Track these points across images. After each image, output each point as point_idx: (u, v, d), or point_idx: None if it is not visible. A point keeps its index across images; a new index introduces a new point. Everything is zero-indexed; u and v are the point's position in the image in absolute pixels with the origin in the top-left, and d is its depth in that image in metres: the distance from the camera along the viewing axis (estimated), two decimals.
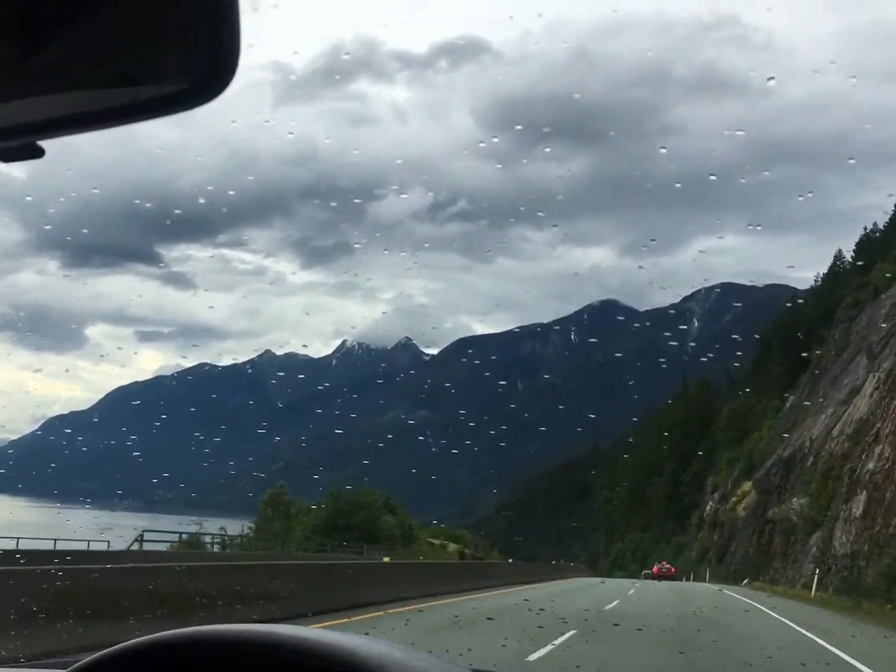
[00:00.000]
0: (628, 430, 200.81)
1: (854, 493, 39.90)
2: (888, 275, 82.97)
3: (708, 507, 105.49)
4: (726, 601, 35.07)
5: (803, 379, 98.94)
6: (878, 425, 40.20)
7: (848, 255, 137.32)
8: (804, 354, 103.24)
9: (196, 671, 1.64)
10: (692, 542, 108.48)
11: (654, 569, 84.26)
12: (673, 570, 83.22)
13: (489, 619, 20.04)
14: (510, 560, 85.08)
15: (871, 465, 38.38)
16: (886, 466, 36.50)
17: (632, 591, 41.12)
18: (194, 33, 1.32)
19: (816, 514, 47.75)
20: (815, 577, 35.50)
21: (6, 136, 1.35)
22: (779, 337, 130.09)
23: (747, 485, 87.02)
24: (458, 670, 1.78)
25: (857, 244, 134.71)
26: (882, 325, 57.40)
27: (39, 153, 1.39)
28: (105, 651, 1.68)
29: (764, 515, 67.16)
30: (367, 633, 1.83)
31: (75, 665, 1.70)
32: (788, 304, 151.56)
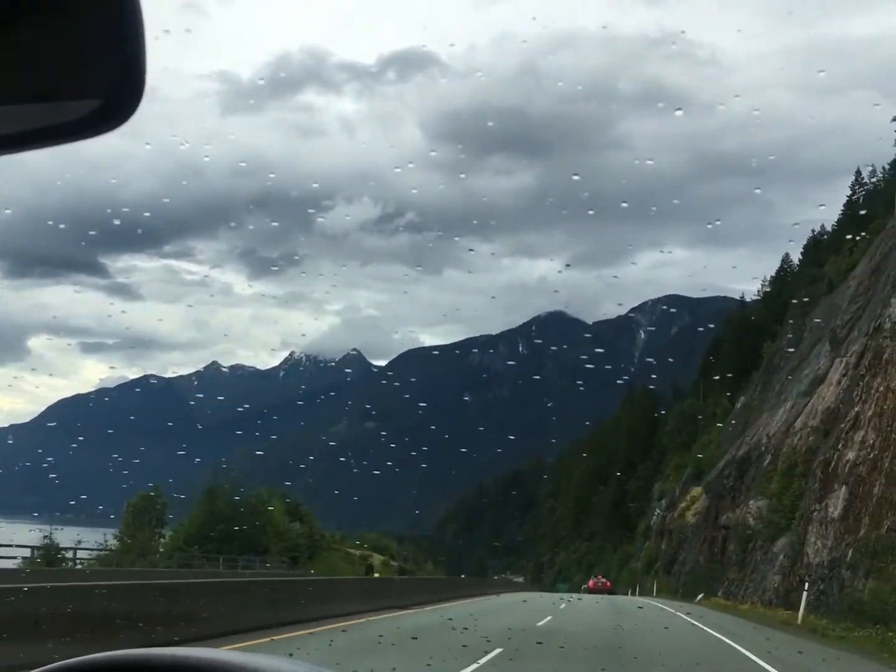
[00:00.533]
0: (576, 441, 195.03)
1: (830, 489, 33.07)
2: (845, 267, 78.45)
3: (655, 515, 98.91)
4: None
5: (755, 378, 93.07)
6: (856, 409, 33.49)
7: (796, 259, 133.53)
8: (760, 353, 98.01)
9: None
10: (638, 552, 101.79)
11: (590, 583, 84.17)
12: (608, 584, 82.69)
13: (413, 638, 19.46)
14: (440, 574, 77.99)
15: (850, 456, 31.61)
16: (872, 455, 29.79)
17: (562, 606, 37.16)
18: (97, 59, 1.27)
19: (779, 518, 40.95)
20: (804, 594, 28.14)
21: None
22: (728, 340, 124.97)
23: (696, 490, 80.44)
24: None
25: (805, 247, 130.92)
26: (848, 307, 51.03)
27: None
28: None
29: (716, 521, 60.36)
30: (290, 655, 1.76)
31: None
32: (740, 304, 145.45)
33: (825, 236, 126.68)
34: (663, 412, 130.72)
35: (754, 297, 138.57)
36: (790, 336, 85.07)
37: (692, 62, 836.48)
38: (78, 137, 1.30)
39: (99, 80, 1.28)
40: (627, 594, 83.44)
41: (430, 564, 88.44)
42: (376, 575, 43.98)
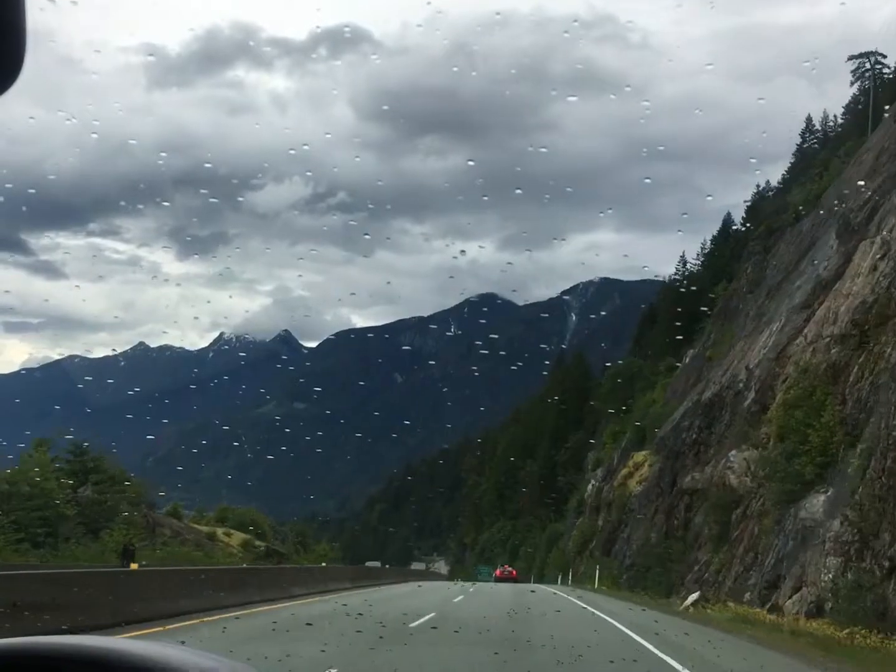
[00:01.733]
0: (504, 419, 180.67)
1: None
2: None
3: (589, 488, 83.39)
4: None
5: (706, 328, 78.38)
6: None
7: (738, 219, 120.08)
8: (698, 317, 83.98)
9: None
10: (570, 530, 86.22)
11: (497, 571, 79.79)
12: (514, 572, 78.68)
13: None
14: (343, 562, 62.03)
15: None
16: None
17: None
18: None
19: (803, 465, 25.13)
20: None
21: None
22: (664, 308, 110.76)
23: (641, 454, 64.90)
24: None
25: (749, 206, 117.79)
26: (861, 185, 35.36)
27: None
28: None
29: (674, 487, 44.57)
30: (182, 642, 1.76)
31: None
32: (675, 276, 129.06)
33: (770, 192, 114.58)
34: (595, 385, 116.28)
35: (692, 265, 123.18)
36: (748, 270, 70.35)
37: (624, 45, 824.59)
38: None
39: None
40: (557, 582, 67.99)
41: (322, 545, 71.65)
42: (135, 566, 27.73)
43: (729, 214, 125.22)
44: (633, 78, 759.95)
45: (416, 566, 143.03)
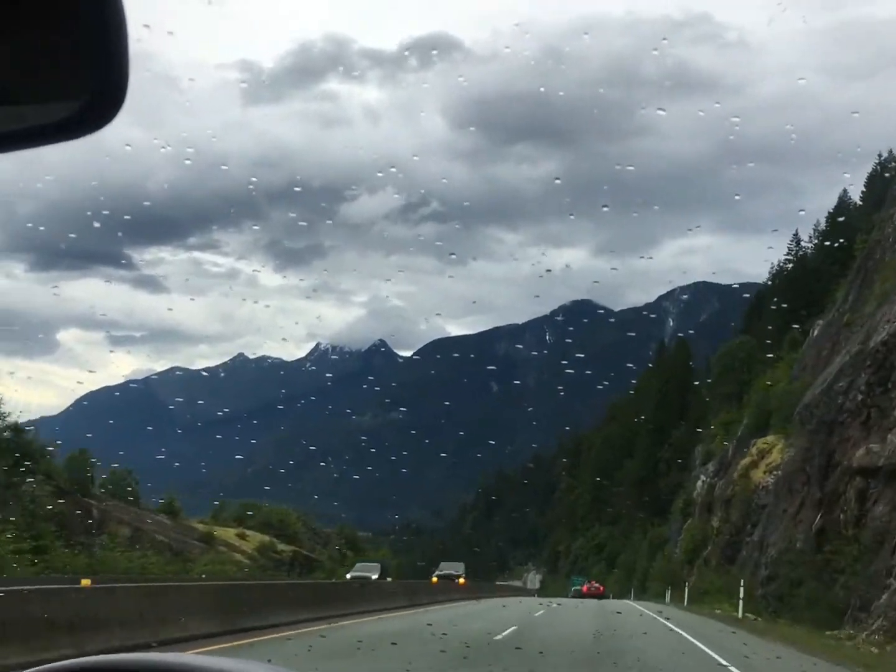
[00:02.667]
0: (599, 422, 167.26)
1: None
2: None
3: (698, 485, 69.82)
4: None
5: (838, 294, 64.44)
6: None
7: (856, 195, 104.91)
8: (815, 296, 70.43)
9: None
10: (675, 536, 72.62)
11: (584, 587, 75.28)
12: (602, 588, 74.96)
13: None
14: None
15: None
16: None
17: None
18: (80, 60, 1.21)
19: None
20: None
21: None
22: (776, 290, 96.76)
23: (766, 440, 51.36)
24: None
25: (868, 179, 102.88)
26: None
27: None
28: None
29: (829, 468, 31.28)
30: (269, 661, 1.76)
31: None
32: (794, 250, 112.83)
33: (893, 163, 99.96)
34: (699, 378, 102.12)
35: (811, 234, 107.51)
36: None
37: (719, 45, 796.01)
38: (60, 139, 1.22)
39: (81, 82, 1.20)
40: (665, 599, 54.81)
41: (383, 552, 59.59)
42: None
43: (845, 191, 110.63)
44: (727, 78, 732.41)
45: (504, 582, 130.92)
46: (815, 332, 65.50)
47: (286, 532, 47.24)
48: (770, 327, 77.23)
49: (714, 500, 60.90)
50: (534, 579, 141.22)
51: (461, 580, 49.64)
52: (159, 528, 37.35)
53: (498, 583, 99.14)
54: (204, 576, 30.42)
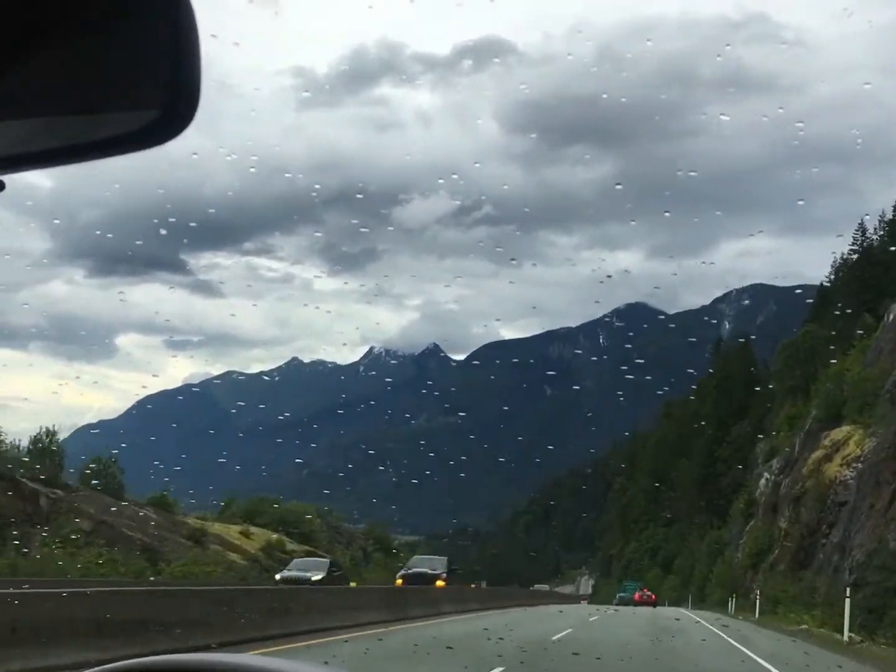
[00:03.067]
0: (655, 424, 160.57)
1: None
2: None
3: (761, 484, 63.80)
4: None
5: None
6: None
7: None
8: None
9: None
10: (737, 538, 66.55)
11: (636, 595, 72.32)
12: (654, 597, 71.85)
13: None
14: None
15: None
16: None
17: None
18: (153, 70, 1.22)
19: None
20: None
21: None
22: (844, 280, 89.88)
23: (842, 430, 45.38)
24: None
25: None
26: None
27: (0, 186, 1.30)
28: None
29: None
30: (326, 663, 1.75)
31: None
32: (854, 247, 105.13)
33: None
34: (761, 374, 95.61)
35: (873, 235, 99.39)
36: None
37: (776, 44, 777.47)
38: (135, 148, 1.23)
39: (155, 91, 1.21)
40: (729, 609, 48.88)
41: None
42: None
43: None
44: (785, 78, 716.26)
45: (553, 587, 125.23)
46: (892, 316, 59.41)
47: (301, 530, 42.31)
48: (837, 312, 70.98)
49: (780, 500, 54.97)
50: (586, 584, 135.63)
51: (439, 582, 35.83)
52: (139, 523, 32.43)
53: (540, 587, 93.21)
54: (154, 578, 25.49)
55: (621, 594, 76.39)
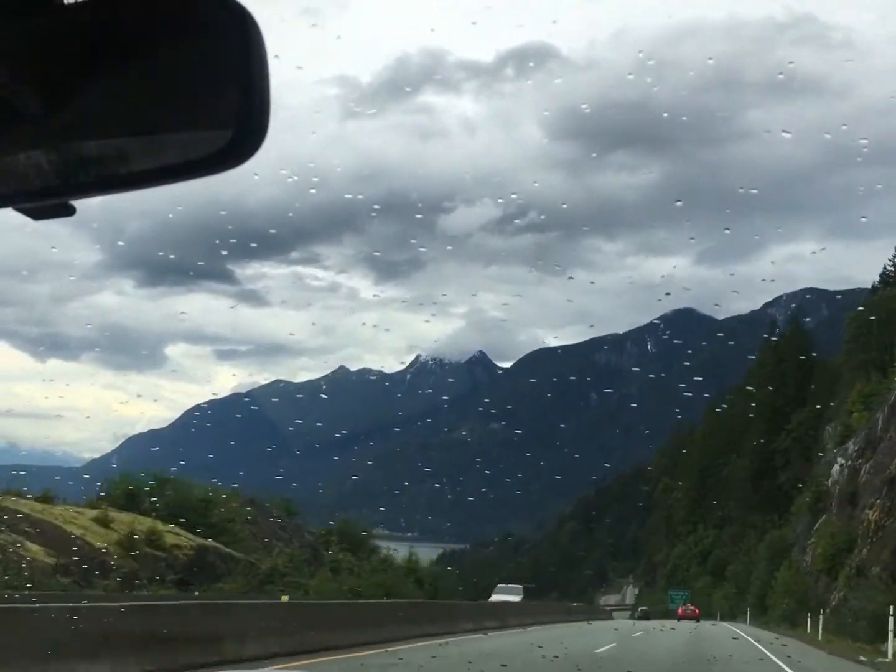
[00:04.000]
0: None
1: None
2: None
3: (834, 471, 51.49)
4: None
5: None
6: None
7: None
8: None
9: None
10: (803, 538, 54.09)
11: (680, 610, 67.87)
12: (697, 611, 67.41)
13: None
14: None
15: None
16: None
17: None
18: (223, 94, 1.20)
19: None
20: None
21: (37, 196, 1.26)
22: None
23: None
24: None
25: None
26: None
27: (70, 211, 1.29)
28: None
29: None
30: None
31: None
32: None
33: None
34: (819, 362, 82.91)
35: None
36: None
37: (824, 46, 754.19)
38: (207, 173, 1.21)
39: (227, 113, 1.20)
40: (808, 629, 36.80)
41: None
42: None
43: None
44: (833, 79, 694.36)
45: (606, 598, 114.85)
46: None
47: (211, 520, 31.29)
48: None
49: (860, 489, 42.77)
50: (632, 594, 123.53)
51: None
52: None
53: (575, 604, 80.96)
54: None
55: (672, 604, 66.21)
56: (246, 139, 1.20)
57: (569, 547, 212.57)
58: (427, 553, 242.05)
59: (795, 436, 74.04)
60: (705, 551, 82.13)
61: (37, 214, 1.35)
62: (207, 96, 1.20)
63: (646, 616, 65.57)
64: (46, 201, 1.24)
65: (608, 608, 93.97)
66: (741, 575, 68.10)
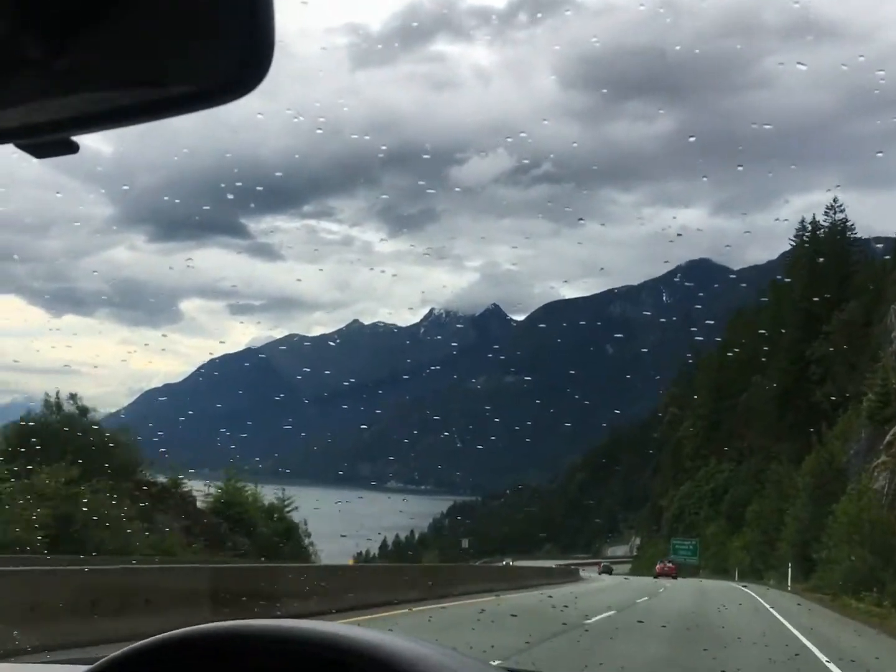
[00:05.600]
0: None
1: None
2: None
3: None
4: None
5: None
6: None
7: None
8: None
9: (220, 667, 1.49)
10: (860, 458, 35.37)
11: (658, 567, 61.26)
12: (674, 568, 61.20)
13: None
14: None
15: None
16: None
17: None
18: (226, 27, 1.17)
19: None
20: None
21: (39, 133, 1.22)
22: None
23: None
24: (485, 668, 1.52)
25: None
26: None
27: (74, 148, 1.26)
28: (129, 647, 1.51)
29: None
30: (390, 630, 1.74)
31: (100, 661, 1.53)
32: None
33: None
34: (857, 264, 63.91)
35: None
36: None
37: None
38: (214, 103, 1.18)
39: (232, 42, 1.16)
40: None
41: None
42: None
43: None
44: (855, 24, 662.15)
45: (613, 550, 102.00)
46: None
47: None
48: None
49: None
50: (635, 544, 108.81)
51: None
52: None
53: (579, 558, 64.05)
54: None
55: (675, 555, 51.28)
56: (251, 68, 1.14)
57: (578, 497, 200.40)
58: (439, 505, 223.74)
59: (835, 340, 55.55)
60: (718, 489, 63.69)
61: (39, 152, 1.30)
62: (211, 25, 1.14)
63: (608, 571, 60.61)
64: (48, 137, 1.20)
65: (604, 561, 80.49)
66: (768, 517, 49.63)
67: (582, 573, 48.96)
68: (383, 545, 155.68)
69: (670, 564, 60.30)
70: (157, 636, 1.50)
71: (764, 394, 66.25)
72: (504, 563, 63.90)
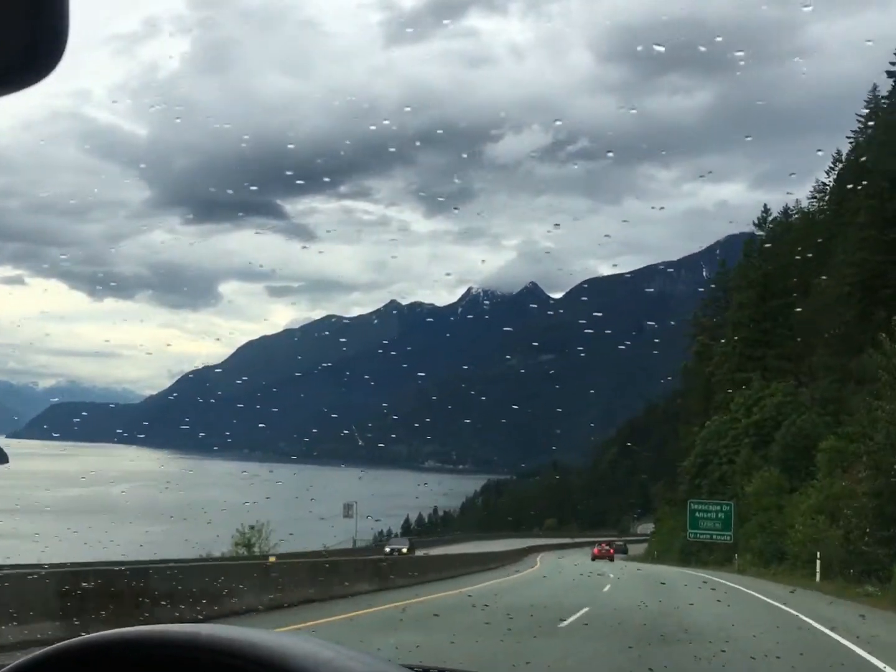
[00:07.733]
0: None
1: None
2: None
3: None
4: None
5: None
6: None
7: None
8: None
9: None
10: None
11: (595, 550, 57.05)
12: (612, 550, 57.14)
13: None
14: None
15: None
16: None
17: None
18: (14, 11, 1.07)
19: None
20: None
21: None
22: None
23: None
24: (388, 668, 1.48)
25: None
26: None
27: None
28: (34, 654, 1.44)
29: None
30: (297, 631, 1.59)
31: (7, 667, 1.46)
32: None
33: None
34: None
35: None
36: None
37: None
38: (3, 91, 1.08)
39: (19, 31, 1.05)
40: None
41: None
42: None
43: None
44: None
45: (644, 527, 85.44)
46: None
47: None
48: None
49: None
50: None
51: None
52: None
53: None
54: None
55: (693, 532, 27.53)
56: (42, 53, 1.03)
57: (607, 472, 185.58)
58: (475, 483, 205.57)
59: None
60: (767, 423, 40.26)
61: None
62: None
63: (623, 551, 55.56)
64: None
65: (618, 541, 75.34)
66: (833, 459, 27.01)
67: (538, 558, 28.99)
68: (406, 522, 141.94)
69: (607, 547, 53.73)
70: (57, 644, 1.41)
71: (828, 299, 43.80)
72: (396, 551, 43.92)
